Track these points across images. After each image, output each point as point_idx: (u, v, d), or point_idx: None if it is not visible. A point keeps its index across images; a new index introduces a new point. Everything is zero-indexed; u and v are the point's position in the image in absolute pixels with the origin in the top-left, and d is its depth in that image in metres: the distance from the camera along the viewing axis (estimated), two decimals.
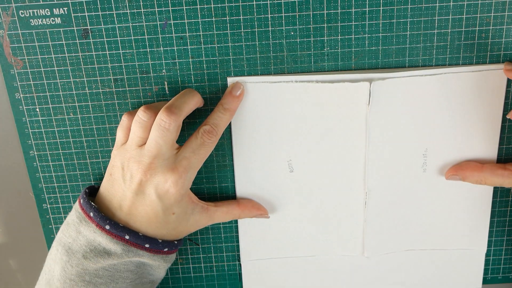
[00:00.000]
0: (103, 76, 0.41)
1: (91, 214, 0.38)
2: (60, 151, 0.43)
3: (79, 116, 0.42)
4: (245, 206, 0.43)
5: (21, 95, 0.42)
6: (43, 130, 0.43)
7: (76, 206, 0.40)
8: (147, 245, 0.38)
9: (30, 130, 0.43)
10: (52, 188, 0.45)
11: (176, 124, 0.37)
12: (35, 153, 0.43)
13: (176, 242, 0.41)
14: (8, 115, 0.43)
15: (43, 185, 0.44)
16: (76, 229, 0.38)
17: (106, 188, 0.40)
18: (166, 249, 0.40)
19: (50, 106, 0.42)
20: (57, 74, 0.41)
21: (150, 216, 0.38)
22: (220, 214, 0.42)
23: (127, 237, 0.38)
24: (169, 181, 0.37)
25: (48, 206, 0.45)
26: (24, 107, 0.42)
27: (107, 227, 0.37)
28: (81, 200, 0.39)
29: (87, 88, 0.42)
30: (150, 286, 0.42)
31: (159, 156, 0.37)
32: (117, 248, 0.37)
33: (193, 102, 0.39)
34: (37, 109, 0.42)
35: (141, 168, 0.37)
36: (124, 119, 0.40)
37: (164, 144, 0.37)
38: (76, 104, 0.42)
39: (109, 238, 0.37)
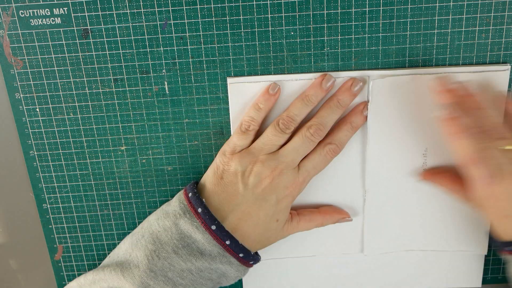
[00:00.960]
0: (103, 76, 0.41)
1: (199, 210, 0.37)
2: (60, 151, 0.43)
3: (79, 116, 0.42)
4: (326, 212, 0.43)
5: (21, 95, 0.42)
6: (43, 130, 0.43)
7: (181, 198, 0.39)
8: (241, 255, 0.38)
9: (30, 130, 0.43)
10: (52, 188, 0.45)
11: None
12: (35, 153, 0.43)
13: (258, 256, 0.41)
14: (8, 115, 0.43)
15: (43, 185, 0.44)
16: (174, 222, 0.38)
17: (216, 192, 0.39)
18: (252, 262, 0.40)
19: (50, 106, 0.42)
20: (57, 74, 0.41)
21: (258, 222, 0.38)
22: (303, 223, 0.42)
23: (227, 242, 0.37)
24: (289, 190, 0.38)
25: (48, 206, 0.45)
26: (24, 107, 0.42)
27: (213, 227, 0.37)
28: (190, 194, 0.39)
29: (87, 88, 0.42)
30: None
31: (290, 165, 0.38)
32: (213, 250, 0.37)
33: (337, 116, 0.39)
34: (37, 109, 0.42)
35: (273, 174, 0.38)
36: (246, 124, 0.39)
37: (302, 154, 0.38)
38: (76, 104, 0.42)
39: (210, 238, 0.37)
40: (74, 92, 0.42)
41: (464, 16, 0.39)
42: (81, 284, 0.39)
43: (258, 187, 0.38)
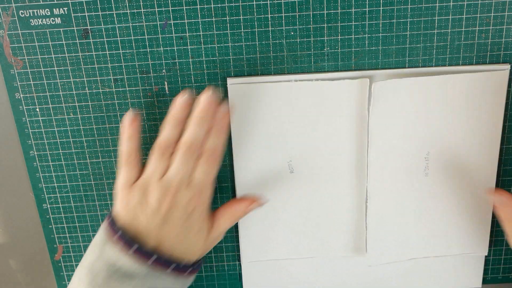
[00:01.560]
0: (103, 76, 0.41)
1: (119, 234, 0.38)
2: (60, 151, 0.43)
3: (79, 116, 0.42)
4: (235, 205, 0.43)
5: (21, 95, 0.42)
6: (43, 130, 0.43)
7: (105, 225, 0.39)
8: (173, 265, 0.39)
9: (30, 130, 0.43)
10: (52, 188, 0.45)
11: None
12: (35, 153, 0.43)
13: (198, 262, 0.41)
14: (8, 115, 0.43)
15: (43, 185, 0.44)
16: (101, 249, 0.38)
17: (136, 214, 0.39)
18: (190, 269, 0.40)
19: (50, 106, 0.42)
20: (57, 74, 0.41)
21: (179, 236, 0.39)
22: (224, 221, 0.42)
23: (153, 257, 0.38)
24: (193, 203, 0.39)
25: (48, 206, 0.45)
26: (24, 107, 0.42)
27: (135, 246, 0.38)
28: (110, 219, 0.39)
29: (87, 88, 0.42)
30: None
31: (181, 183, 0.39)
32: (141, 270, 0.37)
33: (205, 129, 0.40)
34: (37, 109, 0.42)
35: (168, 198, 0.39)
36: (131, 152, 0.40)
37: (187, 171, 0.39)
38: (76, 104, 0.42)
39: (133, 260, 0.37)
40: (74, 92, 0.42)
41: (464, 16, 0.39)
42: None
43: (160, 212, 0.39)
